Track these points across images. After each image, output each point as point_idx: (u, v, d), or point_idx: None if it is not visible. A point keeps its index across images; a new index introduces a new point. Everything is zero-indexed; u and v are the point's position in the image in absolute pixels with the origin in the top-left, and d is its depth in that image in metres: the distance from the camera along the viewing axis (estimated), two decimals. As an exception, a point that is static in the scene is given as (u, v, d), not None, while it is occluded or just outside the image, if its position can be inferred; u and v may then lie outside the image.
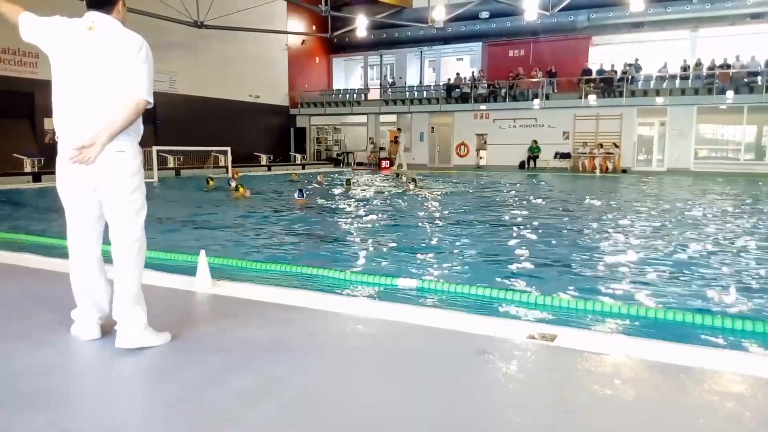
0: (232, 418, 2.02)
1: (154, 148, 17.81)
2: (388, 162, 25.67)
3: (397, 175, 16.61)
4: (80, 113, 2.59)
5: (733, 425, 1.98)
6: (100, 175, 2.60)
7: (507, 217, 9.06)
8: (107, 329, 2.83)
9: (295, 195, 10.97)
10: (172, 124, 22.22)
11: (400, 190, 14.13)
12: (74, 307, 2.85)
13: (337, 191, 14.13)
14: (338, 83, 33.03)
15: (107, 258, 2.79)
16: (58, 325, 2.98)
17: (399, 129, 26.93)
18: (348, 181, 15.27)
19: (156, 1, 18.65)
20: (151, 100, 2.63)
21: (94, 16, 2.63)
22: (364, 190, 14.56)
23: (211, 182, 13.90)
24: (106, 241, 2.75)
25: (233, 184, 13.12)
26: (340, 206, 10.82)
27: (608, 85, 24.02)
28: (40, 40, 2.66)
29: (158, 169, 17.65)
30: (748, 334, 3.34)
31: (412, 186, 14.27)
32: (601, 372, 2.46)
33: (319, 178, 16.80)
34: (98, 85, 2.57)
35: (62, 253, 3.24)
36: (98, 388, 2.33)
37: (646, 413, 2.09)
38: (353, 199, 12.09)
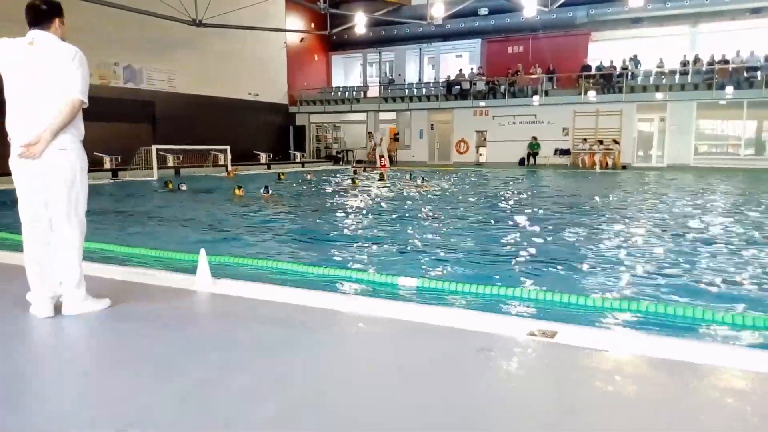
0: (234, 417, 2.01)
1: (154, 147, 17.79)
2: (388, 159, 25.63)
3: (410, 175, 16.80)
4: (26, 116, 3.03)
5: (735, 421, 1.98)
6: (46, 169, 3.03)
7: (507, 214, 9.05)
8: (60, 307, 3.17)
9: (261, 191, 11.97)
10: (171, 123, 22.22)
11: (401, 189, 14.12)
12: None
13: (337, 188, 14.13)
14: (337, 81, 32.99)
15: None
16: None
17: (370, 132, 27.16)
18: (353, 180, 15.52)
19: (155, 0, 18.59)
20: (86, 100, 3.08)
21: (34, 33, 3.09)
22: (365, 187, 14.56)
23: (239, 190, 13.28)
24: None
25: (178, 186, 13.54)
26: (340, 203, 10.82)
27: (608, 81, 24.00)
28: None
29: (158, 168, 17.62)
30: (751, 329, 3.34)
31: (416, 185, 14.45)
32: (602, 368, 2.45)
33: (308, 176, 17.43)
34: (40, 91, 3.02)
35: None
36: (102, 388, 2.32)
37: (647, 410, 2.08)
38: (351, 197, 12.10)
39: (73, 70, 3.03)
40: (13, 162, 3.07)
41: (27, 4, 3.11)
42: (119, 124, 20.06)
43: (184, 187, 13.43)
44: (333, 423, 1.99)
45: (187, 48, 23.11)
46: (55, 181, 3.07)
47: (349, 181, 15.69)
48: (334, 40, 30.79)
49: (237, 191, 12.13)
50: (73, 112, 3.03)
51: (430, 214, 9.06)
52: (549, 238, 6.69)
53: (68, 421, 2.05)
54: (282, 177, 17.25)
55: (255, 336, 2.90)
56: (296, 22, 29.31)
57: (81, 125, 3.17)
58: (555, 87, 25.31)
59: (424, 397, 2.19)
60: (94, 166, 17.46)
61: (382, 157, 24.78)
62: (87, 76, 3.10)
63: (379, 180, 15.82)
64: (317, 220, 8.81)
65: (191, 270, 3.98)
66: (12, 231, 6.67)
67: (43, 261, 3.15)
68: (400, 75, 31.14)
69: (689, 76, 22.80)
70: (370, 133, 27.58)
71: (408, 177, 16.69)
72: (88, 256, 3.42)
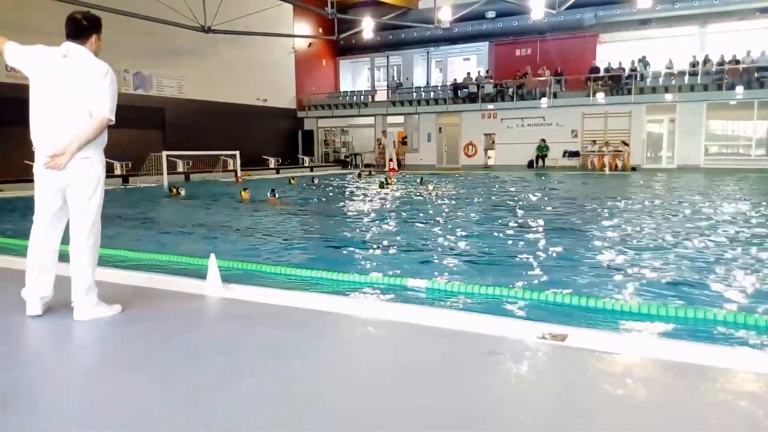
0: (241, 421, 2.02)
1: (164, 153, 17.92)
2: (396, 163, 25.68)
3: (421, 180, 16.66)
4: (54, 126, 3.09)
5: (747, 425, 1.96)
6: (69, 177, 3.10)
7: (516, 216, 9.02)
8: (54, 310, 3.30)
9: (268, 194, 11.98)
10: (180, 129, 22.38)
11: (411, 192, 14.12)
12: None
13: (344, 192, 14.16)
14: (345, 85, 33.08)
15: (64, 258, 3.26)
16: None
17: (384, 132, 27.11)
18: (381, 184, 15.40)
19: (164, 8, 18.76)
20: (113, 118, 3.16)
21: (70, 46, 3.15)
22: (376, 191, 14.57)
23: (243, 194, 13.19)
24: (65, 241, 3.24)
25: (183, 192, 13.63)
26: (347, 207, 10.84)
27: (616, 83, 23.90)
28: (22, 64, 3.18)
29: (168, 174, 17.75)
30: (763, 331, 3.31)
31: (429, 188, 14.39)
32: (612, 372, 2.44)
33: (314, 180, 17.66)
34: (69, 104, 3.08)
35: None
36: (108, 391, 2.34)
37: (658, 413, 2.07)
38: (359, 200, 12.11)
39: (105, 88, 3.11)
40: (38, 170, 3.14)
41: (68, 16, 3.19)
42: (129, 130, 20.17)
43: (182, 192, 13.68)
44: (342, 428, 2.00)
45: (196, 55, 23.29)
46: (76, 190, 3.14)
47: (377, 186, 15.52)
48: (341, 45, 30.90)
49: (243, 194, 12.44)
50: (101, 129, 3.13)
51: (439, 216, 9.05)
52: (559, 240, 6.66)
53: (72, 423, 2.07)
54: (292, 182, 17.38)
55: (262, 340, 2.91)
56: (304, 27, 29.44)
57: (105, 137, 3.26)
58: (563, 89, 25.23)
59: (433, 400, 2.19)
60: (106, 172, 17.60)
61: (391, 160, 24.85)
62: (116, 94, 3.19)
63: (381, 186, 15.17)
64: (324, 224, 8.83)
65: (202, 275, 4.01)
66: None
67: (46, 265, 3.23)
68: (407, 79, 31.17)
69: (698, 77, 22.65)
70: (380, 138, 27.50)
71: (419, 181, 16.63)
72: (100, 262, 3.44)
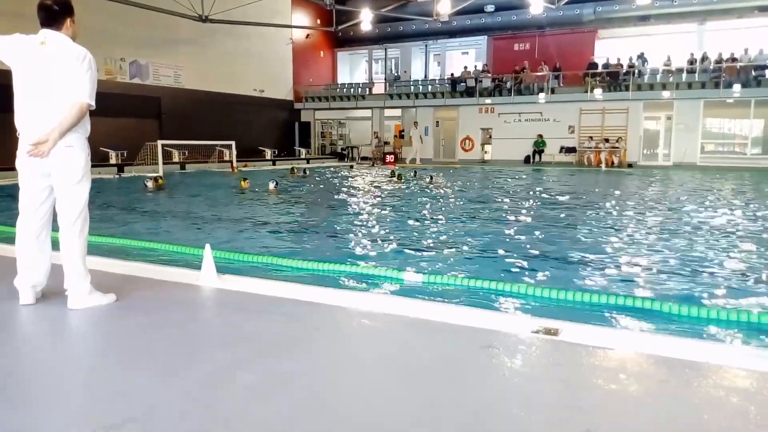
0: (239, 414, 2.02)
1: (159, 143, 17.84)
2: (393, 156, 25.63)
3: (415, 172, 16.59)
4: (35, 114, 3.09)
5: (739, 420, 1.97)
6: (53, 165, 3.11)
7: (512, 211, 9.03)
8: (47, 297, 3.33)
9: (270, 185, 12.33)
10: (176, 119, 22.27)
11: (409, 186, 14.12)
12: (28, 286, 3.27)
13: (344, 184, 14.14)
14: (343, 77, 32.96)
15: (55, 245, 3.28)
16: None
17: (415, 123, 26.77)
18: (399, 176, 15.36)
19: (161, -4, 18.63)
20: (93, 104, 3.13)
21: (46, 33, 3.13)
22: (372, 183, 14.56)
23: (243, 183, 13.23)
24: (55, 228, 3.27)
25: (149, 184, 12.68)
26: (346, 199, 10.83)
27: (614, 79, 23.88)
28: (1, 54, 3.17)
29: (163, 164, 17.67)
30: (756, 328, 3.33)
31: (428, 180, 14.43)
32: (606, 366, 2.45)
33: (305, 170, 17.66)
34: (49, 91, 3.08)
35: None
36: (105, 383, 2.34)
37: (651, 408, 2.08)
38: (357, 192, 12.10)
39: (82, 73, 3.09)
40: (21, 159, 3.15)
41: (38, 4, 3.14)
42: (125, 119, 20.13)
43: (159, 182, 12.83)
44: (339, 420, 2.00)
45: (193, 44, 23.15)
46: (61, 178, 3.14)
47: (392, 176, 15.67)
48: (339, 37, 30.76)
49: (243, 183, 12.82)
50: (81, 115, 3.10)
51: (435, 210, 9.05)
52: (553, 235, 6.68)
53: (68, 415, 2.06)
54: (295, 172, 17.62)
55: (259, 332, 2.91)
56: (302, 18, 29.29)
57: (88, 124, 3.25)
58: (561, 84, 25.20)
59: (429, 393, 2.19)
60: (100, 161, 17.54)
61: (393, 154, 24.73)
62: (95, 78, 3.17)
63: (395, 176, 15.52)
64: (322, 215, 8.82)
65: (196, 265, 4.00)
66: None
67: (34, 253, 3.24)
68: (405, 72, 31.07)
69: (696, 75, 22.67)
70: (416, 123, 26.72)
71: (413, 174, 16.61)
72: (93, 250, 3.43)
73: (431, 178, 15.38)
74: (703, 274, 4.82)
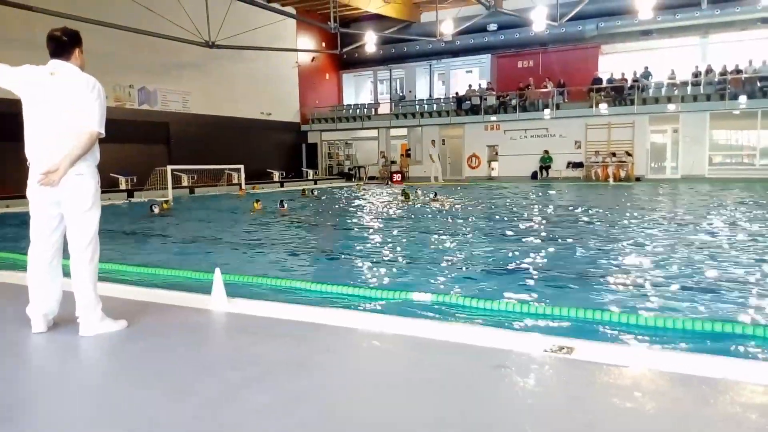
0: (251, 431, 2.01)
1: (168, 168, 18.01)
2: (400, 175, 25.70)
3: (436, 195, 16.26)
4: (46, 144, 3.13)
5: (757, 438, 1.94)
6: (63, 193, 3.14)
7: (521, 228, 9.01)
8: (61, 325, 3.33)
9: (278, 205, 12.97)
10: (185, 143, 22.50)
11: (419, 204, 14.13)
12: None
13: (351, 204, 14.17)
14: (348, 98, 33.24)
15: (66, 272, 3.30)
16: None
17: (433, 141, 26.83)
18: (406, 195, 15.38)
19: (168, 23, 18.95)
20: (103, 132, 3.18)
21: (56, 64, 3.20)
22: (378, 200, 14.58)
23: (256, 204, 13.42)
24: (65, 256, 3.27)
25: (156, 209, 12.80)
26: (353, 219, 10.84)
27: (619, 94, 23.94)
28: (12, 85, 3.23)
29: (173, 188, 17.81)
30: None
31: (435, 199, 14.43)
32: (620, 385, 2.43)
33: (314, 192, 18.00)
34: (59, 120, 3.12)
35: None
36: (115, 405, 2.34)
37: (667, 426, 2.05)
38: (363, 212, 12.12)
39: (92, 102, 3.14)
40: (32, 188, 3.19)
41: (48, 35, 3.23)
42: (134, 145, 20.36)
43: (165, 206, 13.36)
44: (349, 442, 1.98)
45: (200, 69, 23.48)
46: (71, 206, 3.18)
47: (402, 196, 15.61)
48: (344, 59, 31.05)
49: (255, 205, 13.08)
50: (91, 143, 3.15)
51: (445, 228, 9.04)
52: (565, 252, 6.64)
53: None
54: (305, 193, 17.78)
55: (270, 353, 2.91)
56: (307, 41, 29.66)
57: (97, 152, 3.30)
58: (566, 100, 25.28)
59: (440, 413, 2.18)
60: (110, 186, 17.72)
61: (399, 173, 24.73)
62: (104, 107, 3.22)
63: (404, 195, 15.46)
64: (331, 236, 8.83)
65: (206, 290, 4.01)
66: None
67: (45, 282, 3.26)
68: (410, 91, 31.30)
69: (701, 87, 22.68)
70: (433, 142, 26.78)
71: (432, 196, 16.43)
72: (104, 277, 3.45)
73: (438, 195, 15.33)
74: (718, 289, 4.77)
